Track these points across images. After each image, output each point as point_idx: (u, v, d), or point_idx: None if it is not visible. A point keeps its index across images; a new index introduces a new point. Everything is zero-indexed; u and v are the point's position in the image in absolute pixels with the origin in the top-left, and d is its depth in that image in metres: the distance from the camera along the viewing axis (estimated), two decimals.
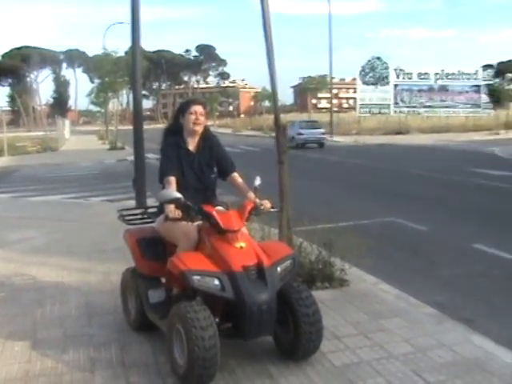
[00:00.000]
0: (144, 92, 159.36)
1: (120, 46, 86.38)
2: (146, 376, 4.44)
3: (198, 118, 5.04)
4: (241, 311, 4.16)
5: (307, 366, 4.49)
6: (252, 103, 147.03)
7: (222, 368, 4.22)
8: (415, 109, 54.71)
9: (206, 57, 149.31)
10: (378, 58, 53.58)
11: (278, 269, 4.38)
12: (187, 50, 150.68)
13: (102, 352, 4.96)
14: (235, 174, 5.22)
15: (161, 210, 5.04)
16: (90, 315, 5.99)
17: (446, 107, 54.42)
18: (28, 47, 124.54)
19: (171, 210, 4.58)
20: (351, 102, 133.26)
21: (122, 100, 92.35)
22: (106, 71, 46.85)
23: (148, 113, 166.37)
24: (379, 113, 54.37)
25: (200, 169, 5.07)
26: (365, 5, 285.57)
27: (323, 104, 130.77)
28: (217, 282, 4.17)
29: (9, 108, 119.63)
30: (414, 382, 4.17)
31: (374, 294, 6.39)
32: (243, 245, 4.34)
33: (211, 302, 4.29)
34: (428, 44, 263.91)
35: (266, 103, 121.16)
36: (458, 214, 12.42)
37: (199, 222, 4.71)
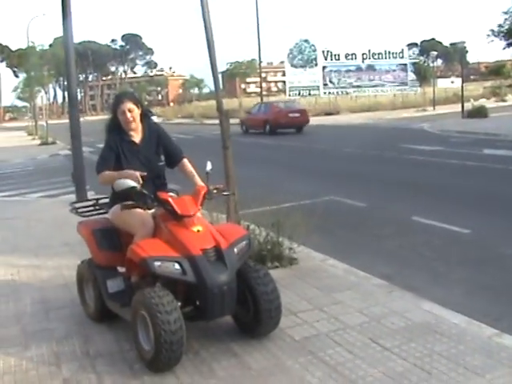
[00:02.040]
0: None
1: (43, 38, 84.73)
2: (112, 365, 4.51)
3: (128, 118, 5.08)
4: (203, 293, 4.29)
5: (268, 342, 4.66)
6: (181, 91, 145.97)
7: (186, 351, 4.32)
8: (344, 89, 55.58)
9: (133, 46, 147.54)
10: (306, 41, 54.06)
11: (235, 249, 4.52)
12: (113, 40, 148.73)
13: (64, 345, 4.98)
14: (185, 161, 5.32)
15: (114, 200, 5.11)
16: (46, 310, 5.99)
17: (375, 86, 55.59)
18: None
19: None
20: (280, 85, 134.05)
21: (49, 94, 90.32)
22: (33, 65, 45.82)
23: None
24: (309, 95, 54.90)
25: (147, 158, 5.14)
26: None
27: (252, 88, 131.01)
28: (177, 266, 4.28)
29: None
30: (373, 349, 4.40)
31: (323, 269, 6.61)
32: (200, 228, 4.46)
33: (172, 287, 4.40)
34: (352, 24, 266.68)
35: (196, 90, 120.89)
36: (393, 189, 12.82)
37: (153, 210, 4.81)
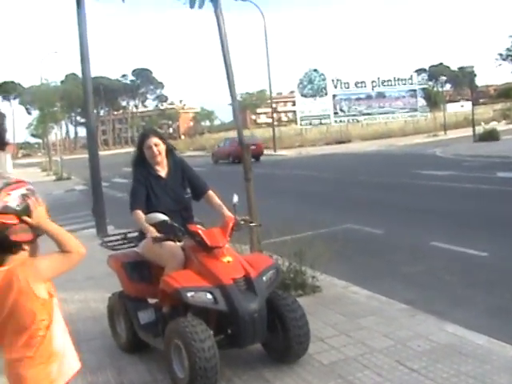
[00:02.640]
0: (82, 120, 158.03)
1: (55, 74, 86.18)
2: None
3: (155, 152, 5.33)
4: (235, 321, 4.46)
5: (298, 367, 4.80)
6: (192, 124, 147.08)
7: (219, 378, 4.45)
8: (355, 117, 56.06)
9: (143, 80, 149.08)
10: (315, 70, 54.66)
11: (264, 278, 4.70)
12: (124, 75, 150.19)
13: (98, 376, 5.13)
14: (210, 193, 5.55)
15: (143, 234, 5.31)
16: (77, 342, 6.05)
17: (385, 113, 56.05)
18: None
19: (152, 232, 4.86)
20: (290, 115, 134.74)
21: (61, 130, 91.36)
22: (46, 101, 46.42)
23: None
24: (320, 123, 55.39)
25: (174, 192, 5.37)
26: (293, 15, 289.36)
27: (262, 119, 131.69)
28: (209, 295, 4.45)
29: None
30: (400, 371, 4.54)
31: (346, 296, 6.76)
32: (230, 259, 4.64)
33: (203, 316, 4.56)
34: (359, 51, 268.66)
35: (207, 123, 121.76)
36: (409, 215, 12.94)
37: (182, 242, 4.99)
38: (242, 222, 5.10)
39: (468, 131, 41.11)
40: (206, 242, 4.66)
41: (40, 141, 60.92)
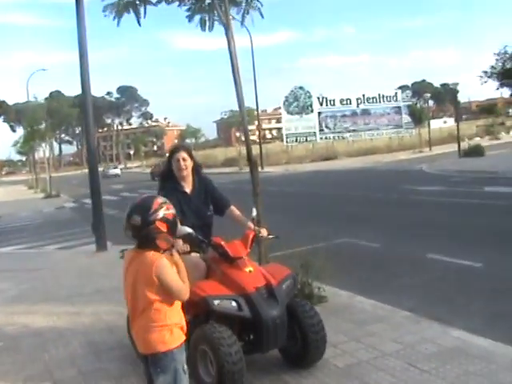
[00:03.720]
0: (67, 138, 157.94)
1: (40, 92, 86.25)
2: None
3: (182, 165, 5.65)
4: (258, 327, 4.77)
5: (315, 370, 5.12)
6: (176, 141, 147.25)
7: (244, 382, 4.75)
8: (340, 134, 56.67)
9: (128, 98, 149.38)
10: (301, 88, 55.25)
11: (284, 287, 5.02)
12: (108, 93, 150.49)
13: (124, 383, 5.41)
14: (232, 208, 5.88)
15: None
16: (96, 352, 6.40)
17: (370, 130, 56.70)
18: None
19: (179, 244, 5.15)
20: (274, 132, 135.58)
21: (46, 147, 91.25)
22: (34, 119, 46.63)
23: (71, 158, 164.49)
24: (306, 140, 55.86)
25: (198, 208, 5.69)
26: (278, 36, 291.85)
27: None
28: (234, 303, 4.77)
29: None
30: (412, 372, 4.87)
31: (352, 305, 7.10)
32: (251, 269, 4.97)
33: (225, 324, 4.86)
34: (343, 69, 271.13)
35: (192, 140, 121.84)
36: (403, 229, 13.33)
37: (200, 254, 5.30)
38: (261, 235, 5.43)
39: (453, 147, 41.79)
40: (228, 254, 4.98)
41: (24, 158, 60.62)
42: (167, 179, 5.78)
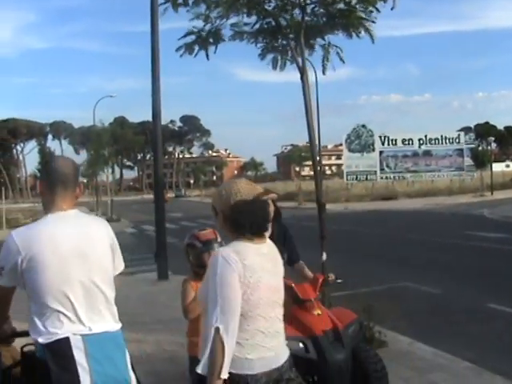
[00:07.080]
0: (129, 163, 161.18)
1: (106, 117, 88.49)
2: None
3: None
4: (323, 370, 4.87)
5: None
6: (236, 172, 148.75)
7: None
8: (401, 174, 56.18)
9: (191, 127, 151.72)
10: (363, 126, 55.16)
11: (350, 331, 5.13)
12: (172, 121, 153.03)
13: None
14: (301, 263, 5.90)
15: None
16: (160, 382, 6.57)
17: (431, 171, 56.01)
18: (14, 119, 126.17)
19: None
20: (334, 168, 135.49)
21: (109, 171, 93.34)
22: (99, 143, 47.84)
23: (131, 183, 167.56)
24: (366, 179, 55.58)
25: None
26: (339, 73, 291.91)
27: (306, 171, 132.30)
28: (301, 345, 4.90)
29: None
30: None
31: (411, 352, 7.12)
32: (319, 312, 5.09)
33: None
34: (405, 108, 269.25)
35: (252, 173, 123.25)
36: (464, 276, 13.21)
37: None
38: (329, 279, 5.56)
39: None
40: (298, 296, 5.13)
41: (85, 180, 61.82)
42: None
